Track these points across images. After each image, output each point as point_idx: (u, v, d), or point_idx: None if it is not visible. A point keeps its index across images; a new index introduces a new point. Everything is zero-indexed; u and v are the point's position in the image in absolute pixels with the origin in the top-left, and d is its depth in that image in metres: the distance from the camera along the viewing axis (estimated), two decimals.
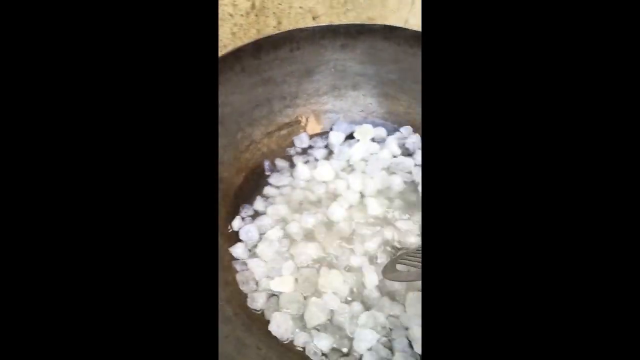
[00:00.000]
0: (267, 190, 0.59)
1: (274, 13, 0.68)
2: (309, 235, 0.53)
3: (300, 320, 0.45)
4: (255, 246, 0.51)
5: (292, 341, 0.44)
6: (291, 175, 0.61)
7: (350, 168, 0.62)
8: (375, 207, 0.55)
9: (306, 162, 0.63)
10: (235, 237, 0.53)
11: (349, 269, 0.50)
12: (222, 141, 0.59)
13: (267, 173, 0.61)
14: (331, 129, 0.66)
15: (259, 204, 0.57)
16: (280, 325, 0.44)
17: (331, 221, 0.54)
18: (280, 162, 0.63)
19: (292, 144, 0.65)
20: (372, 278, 0.47)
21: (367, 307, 0.46)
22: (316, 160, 0.63)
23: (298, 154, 0.64)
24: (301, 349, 0.44)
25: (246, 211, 0.56)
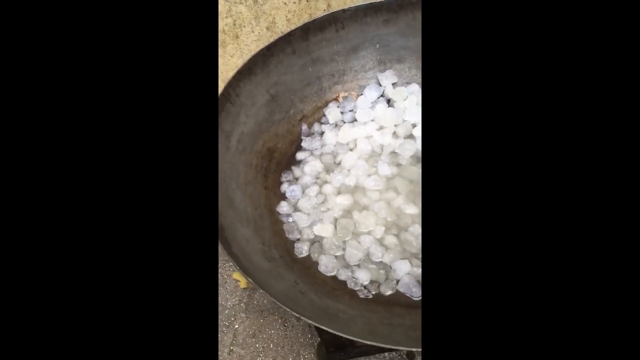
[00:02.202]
0: (299, 154, 0.67)
1: None
2: (341, 190, 0.60)
3: (342, 259, 0.53)
4: (296, 202, 0.60)
5: (335, 276, 0.53)
6: (321, 139, 0.68)
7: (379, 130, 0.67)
8: (385, 169, 0.61)
9: (335, 125, 0.69)
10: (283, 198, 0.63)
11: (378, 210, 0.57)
12: (277, 116, 0.68)
13: (302, 137, 0.69)
14: (362, 94, 0.71)
15: (295, 169, 0.65)
16: (328, 265, 0.53)
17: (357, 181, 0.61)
18: (316, 127, 0.70)
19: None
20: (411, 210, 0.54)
21: (400, 241, 0.54)
22: (343, 122, 0.69)
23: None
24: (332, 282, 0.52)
25: (286, 176, 0.65)
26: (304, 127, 0.70)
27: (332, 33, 0.68)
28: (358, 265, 0.53)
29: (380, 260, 0.54)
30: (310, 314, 0.41)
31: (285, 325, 0.89)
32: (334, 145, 0.66)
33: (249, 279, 0.42)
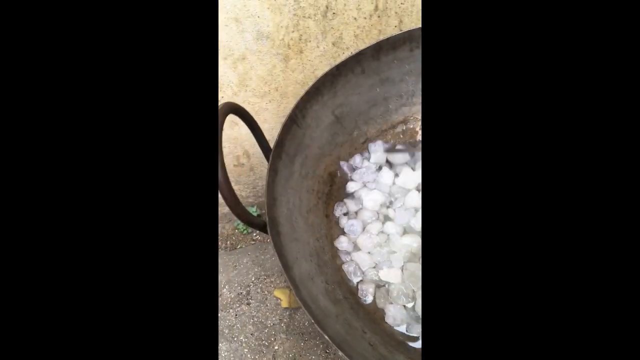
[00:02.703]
0: (351, 185, 0.61)
1: (395, 13, 0.69)
2: (406, 229, 0.55)
3: (412, 310, 0.48)
4: (356, 238, 0.55)
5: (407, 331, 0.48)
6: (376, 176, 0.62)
7: None
8: None
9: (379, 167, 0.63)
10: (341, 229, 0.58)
11: None
12: (339, 138, 0.64)
13: (346, 171, 0.63)
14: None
15: (349, 202, 0.60)
16: (396, 317, 0.48)
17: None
18: (357, 159, 0.64)
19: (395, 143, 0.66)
20: None
21: None
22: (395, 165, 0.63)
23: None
24: (401, 336, 0.47)
25: (341, 209, 0.60)
26: (344, 164, 0.64)
27: (406, 52, 0.63)
28: None
29: None
30: None
31: (327, 352, 0.86)
32: (390, 186, 0.61)
33: (326, 336, 0.38)
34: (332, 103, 0.62)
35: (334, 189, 0.62)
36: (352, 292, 0.51)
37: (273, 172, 0.52)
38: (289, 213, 0.53)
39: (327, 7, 0.67)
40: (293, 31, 0.68)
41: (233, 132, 0.84)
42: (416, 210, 0.57)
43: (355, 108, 0.65)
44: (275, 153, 0.52)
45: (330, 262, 0.54)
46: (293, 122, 0.56)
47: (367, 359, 0.40)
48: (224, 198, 0.41)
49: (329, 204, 0.61)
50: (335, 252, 0.56)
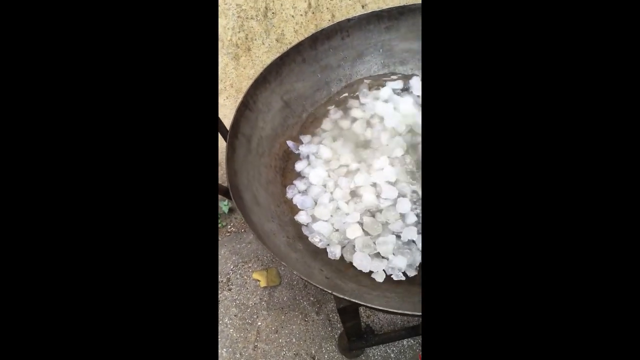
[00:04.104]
0: (298, 165, 0.69)
1: (327, 8, 0.79)
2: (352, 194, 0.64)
3: (376, 255, 0.57)
4: (313, 212, 0.63)
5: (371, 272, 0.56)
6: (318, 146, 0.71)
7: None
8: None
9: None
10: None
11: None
12: (290, 120, 0.73)
13: (295, 151, 0.70)
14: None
15: (299, 183, 0.67)
16: (363, 261, 0.56)
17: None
18: (307, 139, 0.72)
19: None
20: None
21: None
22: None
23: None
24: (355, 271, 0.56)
25: (292, 191, 0.66)
26: (290, 143, 0.71)
27: (338, 41, 0.73)
28: (394, 254, 0.56)
29: (411, 239, 0.57)
30: (337, 292, 0.45)
31: (305, 320, 0.93)
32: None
33: (286, 265, 0.46)
34: (279, 90, 0.71)
35: (290, 163, 0.71)
36: (309, 245, 0.60)
37: (231, 149, 0.60)
38: (248, 183, 0.61)
39: (266, 8, 0.76)
40: (239, 32, 0.77)
41: None
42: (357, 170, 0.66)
43: (302, 93, 0.74)
44: (232, 132, 0.60)
45: (291, 222, 0.62)
46: (245, 107, 0.65)
47: (320, 281, 0.48)
48: None
49: (285, 177, 0.69)
50: (295, 211, 0.64)
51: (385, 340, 0.83)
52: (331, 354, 0.88)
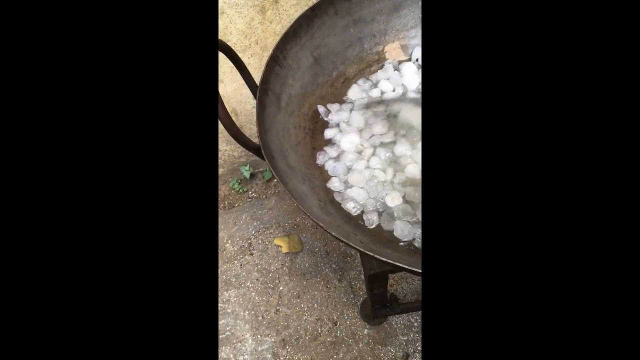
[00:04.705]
0: (328, 132, 0.65)
1: None
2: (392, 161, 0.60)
3: (416, 223, 0.54)
4: (346, 178, 0.60)
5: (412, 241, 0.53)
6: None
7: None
8: None
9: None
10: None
11: None
12: (320, 79, 0.69)
13: (323, 118, 0.66)
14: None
15: (329, 150, 0.63)
16: (404, 230, 0.53)
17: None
18: (336, 107, 0.68)
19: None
20: None
21: None
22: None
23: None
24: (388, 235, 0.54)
25: (322, 157, 0.62)
26: (321, 108, 0.67)
27: None
28: None
29: None
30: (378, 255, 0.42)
31: (327, 287, 0.93)
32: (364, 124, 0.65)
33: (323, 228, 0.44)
34: (310, 45, 0.66)
35: (319, 125, 0.67)
36: (342, 210, 0.57)
37: (261, 106, 0.56)
38: (279, 144, 0.58)
39: None
40: None
41: (219, 90, 0.88)
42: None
43: (333, 49, 0.69)
44: (261, 89, 0.57)
45: (321, 186, 0.59)
46: (275, 62, 0.61)
47: (358, 244, 0.46)
48: (221, 121, 0.45)
49: (315, 138, 0.66)
50: (326, 177, 0.61)
51: (409, 309, 0.82)
52: (353, 320, 0.88)
